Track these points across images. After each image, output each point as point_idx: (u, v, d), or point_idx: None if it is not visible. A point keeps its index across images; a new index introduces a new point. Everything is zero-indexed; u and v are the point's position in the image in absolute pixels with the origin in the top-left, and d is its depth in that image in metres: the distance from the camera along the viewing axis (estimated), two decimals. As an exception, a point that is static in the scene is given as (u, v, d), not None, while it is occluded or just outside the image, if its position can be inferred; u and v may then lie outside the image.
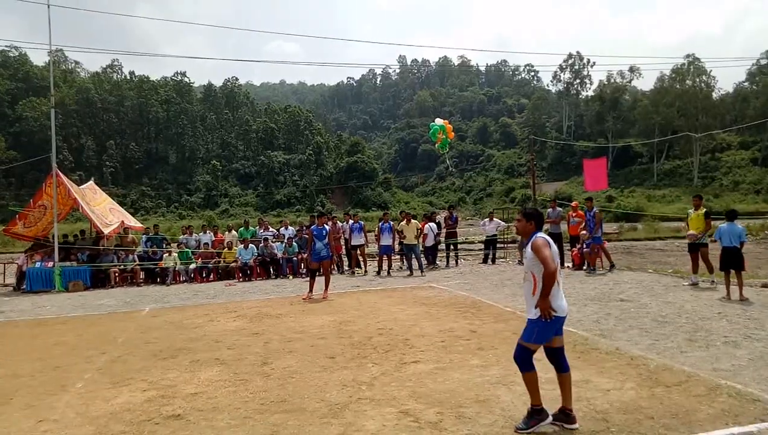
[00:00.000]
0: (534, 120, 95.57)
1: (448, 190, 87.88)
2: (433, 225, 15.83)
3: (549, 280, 3.97)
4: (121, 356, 6.85)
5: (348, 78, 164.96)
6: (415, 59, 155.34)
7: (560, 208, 15.32)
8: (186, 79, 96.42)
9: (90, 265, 14.64)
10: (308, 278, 11.61)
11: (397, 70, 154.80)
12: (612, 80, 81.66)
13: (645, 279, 11.76)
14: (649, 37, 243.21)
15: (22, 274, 14.54)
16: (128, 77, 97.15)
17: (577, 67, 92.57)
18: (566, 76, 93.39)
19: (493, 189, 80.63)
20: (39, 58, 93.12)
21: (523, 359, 4.12)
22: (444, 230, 16.70)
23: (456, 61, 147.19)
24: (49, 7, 14.69)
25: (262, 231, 16.67)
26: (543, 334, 4.08)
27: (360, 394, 4.99)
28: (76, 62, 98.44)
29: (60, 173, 15.18)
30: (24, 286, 14.21)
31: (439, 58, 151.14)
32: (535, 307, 4.07)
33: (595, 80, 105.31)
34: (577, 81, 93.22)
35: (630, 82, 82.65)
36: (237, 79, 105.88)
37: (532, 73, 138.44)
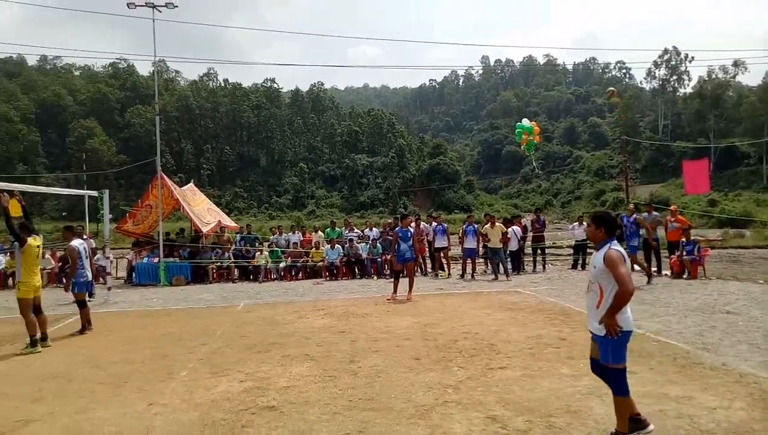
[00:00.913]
0: (627, 119, 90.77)
1: (534, 193, 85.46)
2: (516, 229, 15.48)
3: (624, 300, 3.75)
4: (219, 348, 7.29)
5: (430, 80, 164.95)
6: (499, 59, 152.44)
7: (656, 213, 14.48)
8: (275, 85, 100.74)
9: (190, 262, 15.69)
10: (392, 279, 11.76)
11: (480, 71, 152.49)
12: (713, 76, 75.99)
13: (754, 290, 10.85)
14: (756, 28, 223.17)
15: (132, 268, 15.86)
16: (222, 84, 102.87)
17: (673, 62, 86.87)
18: (661, 72, 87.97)
19: (582, 192, 77.44)
20: (144, 68, 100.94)
21: (617, 381, 3.90)
22: (530, 234, 16.29)
23: (541, 60, 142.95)
24: (154, 21, 15.89)
25: (347, 232, 17.09)
26: (618, 349, 3.86)
27: (446, 397, 5.00)
28: (177, 71, 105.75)
29: (164, 175, 16.38)
30: (133, 280, 15.50)
31: (524, 58, 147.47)
32: (599, 323, 3.89)
33: (694, 76, 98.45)
34: (674, 77, 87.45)
35: (734, 77, 76.58)
36: (322, 83, 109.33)
37: (624, 70, 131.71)
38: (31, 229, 7.86)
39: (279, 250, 16.31)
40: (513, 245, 15.22)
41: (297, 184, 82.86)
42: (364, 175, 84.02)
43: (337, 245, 15.77)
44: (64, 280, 10.37)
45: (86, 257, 9.06)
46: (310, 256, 16.05)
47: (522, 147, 18.85)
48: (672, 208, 14.99)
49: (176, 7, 15.67)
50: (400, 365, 6.13)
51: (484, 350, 6.67)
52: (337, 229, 17.72)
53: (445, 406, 4.79)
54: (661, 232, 14.33)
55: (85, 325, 8.75)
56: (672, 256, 13.55)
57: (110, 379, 5.96)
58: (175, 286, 14.89)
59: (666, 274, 13.31)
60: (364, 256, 15.79)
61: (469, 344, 7.00)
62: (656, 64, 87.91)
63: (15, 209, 8.29)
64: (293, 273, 15.95)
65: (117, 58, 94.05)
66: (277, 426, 4.44)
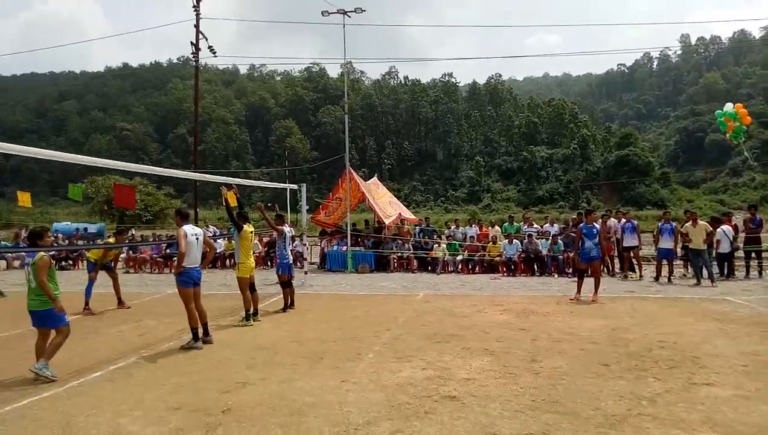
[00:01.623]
0: None
1: (744, 187, 73.90)
2: (727, 228, 13.55)
3: None
4: (401, 335, 7.65)
5: (618, 65, 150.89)
6: (702, 37, 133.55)
7: None
8: (453, 80, 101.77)
9: (374, 251, 16.68)
10: (575, 278, 11.16)
11: (678, 52, 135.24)
12: None
13: None
14: None
15: (324, 255, 17.38)
16: (402, 82, 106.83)
17: None
18: None
19: (811, 186, 65.13)
20: (333, 71, 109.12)
21: None
22: (742, 235, 14.17)
23: (757, 34, 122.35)
24: (344, 26, 17.06)
25: (526, 227, 16.63)
26: None
27: (640, 410, 4.62)
28: (362, 72, 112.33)
29: (352, 170, 17.60)
30: (326, 265, 16.97)
31: (734, 33, 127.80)
32: None
33: None
34: None
35: None
36: (500, 75, 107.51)
37: None
38: (246, 218, 9.05)
39: (456, 243, 16.50)
40: (724, 247, 13.36)
41: (473, 177, 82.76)
42: (543, 168, 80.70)
43: (515, 240, 15.44)
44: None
45: (289, 243, 10.19)
46: (487, 250, 15.95)
47: (727, 135, 16.25)
48: None
49: (364, 11, 16.66)
50: (586, 370, 5.82)
51: (686, 363, 6.01)
52: (515, 223, 17.33)
53: (639, 418, 4.43)
54: None
55: (287, 303, 9.83)
56: None
57: (308, 355, 6.61)
58: (361, 273, 15.94)
59: None
60: (544, 252, 15.22)
61: (666, 354, 6.37)
62: None
63: (232, 200, 9.62)
64: (470, 267, 16.01)
65: (311, 63, 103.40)
66: (459, 416, 4.53)
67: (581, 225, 11.11)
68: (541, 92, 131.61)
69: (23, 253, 19.27)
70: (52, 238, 15.32)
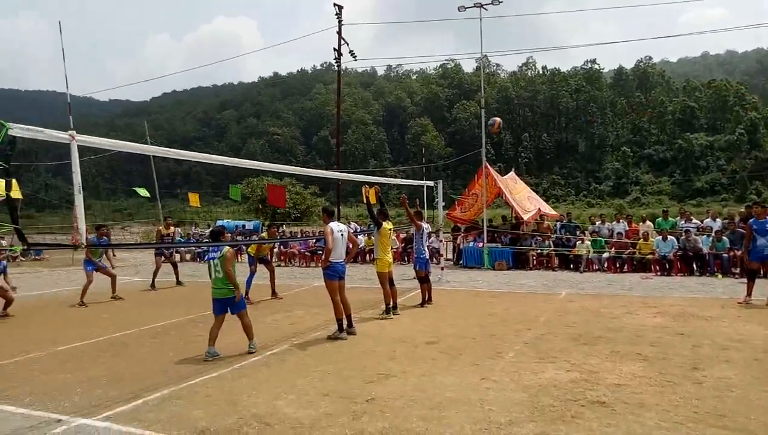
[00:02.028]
0: None
1: None
2: None
3: None
4: (543, 335, 7.38)
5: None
6: None
7: None
8: (596, 66, 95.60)
9: (512, 248, 16.27)
10: (744, 280, 9.92)
11: None
12: None
13: None
14: None
15: (460, 251, 17.33)
16: (541, 72, 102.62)
17: None
18: None
19: None
20: (468, 66, 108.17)
21: None
22: None
23: None
24: (481, 20, 16.80)
25: (683, 222, 15.13)
26: None
27: (833, 433, 4.00)
28: (497, 65, 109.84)
29: (488, 165, 17.34)
30: (461, 262, 16.93)
31: None
32: None
33: None
34: None
35: None
36: (651, 58, 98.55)
37: None
38: (386, 215, 9.35)
39: (602, 239, 15.50)
40: None
41: (619, 169, 77.04)
42: (702, 157, 72.61)
43: (669, 237, 14.10)
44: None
45: (426, 239, 10.36)
46: (638, 247, 14.77)
47: None
48: None
49: (501, 2, 16.28)
50: (760, 382, 5.16)
51: None
52: (670, 218, 15.84)
53: (832, 443, 3.84)
54: None
55: (425, 298, 9.99)
56: None
57: (447, 350, 6.65)
58: (498, 270, 15.65)
59: None
60: (705, 250, 13.71)
61: None
62: None
63: (373, 198, 9.98)
64: (617, 265, 14.96)
65: (446, 60, 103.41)
66: (609, 423, 4.27)
67: (751, 220, 9.84)
68: (698, 74, 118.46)
69: (193, 248, 21.73)
70: (229, 235, 17.20)
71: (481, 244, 16.56)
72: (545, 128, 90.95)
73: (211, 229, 8.11)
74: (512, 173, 20.02)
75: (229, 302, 6.67)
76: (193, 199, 15.01)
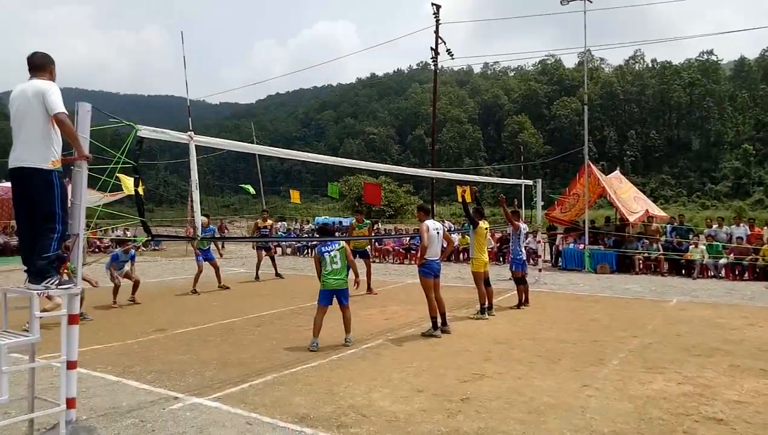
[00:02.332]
0: None
1: None
2: None
3: None
4: (651, 344, 6.93)
5: None
6: None
7: None
8: (713, 58, 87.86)
9: (616, 250, 15.41)
10: None
11: None
12: None
13: None
14: None
15: (559, 253, 16.69)
16: (650, 65, 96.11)
17: None
18: None
19: None
20: (569, 61, 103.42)
21: None
22: None
23: None
24: (585, 13, 16.04)
25: (818, 227, 13.56)
26: None
27: None
28: (601, 59, 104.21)
29: (590, 164, 16.53)
30: (560, 264, 16.30)
31: None
32: None
33: None
34: None
35: None
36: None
37: None
38: (482, 214, 9.22)
39: (719, 244, 14.27)
40: None
41: (739, 168, 70.34)
42: None
43: (802, 243, 12.70)
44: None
45: (523, 239, 10.09)
46: (761, 253, 13.43)
47: None
48: None
49: (607, -8, 15.46)
50: None
51: None
52: (802, 223, 14.25)
53: None
54: None
55: (522, 300, 9.73)
56: None
57: (545, 354, 6.44)
58: (600, 273, 14.90)
59: None
60: None
61: None
62: None
63: (468, 197, 9.89)
64: (737, 272, 13.71)
65: (546, 55, 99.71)
66: (728, 442, 3.93)
67: None
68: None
69: (294, 242, 22.66)
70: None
71: (582, 246, 15.85)
72: (654, 125, 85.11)
73: (319, 225, 8.51)
74: (617, 172, 18.95)
75: (342, 293, 6.91)
76: (294, 196, 15.71)
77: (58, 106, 3.88)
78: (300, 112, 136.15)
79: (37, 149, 3.93)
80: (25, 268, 4.08)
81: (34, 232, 4.00)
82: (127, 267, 10.31)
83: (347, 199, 46.48)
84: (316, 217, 40.05)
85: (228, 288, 12.42)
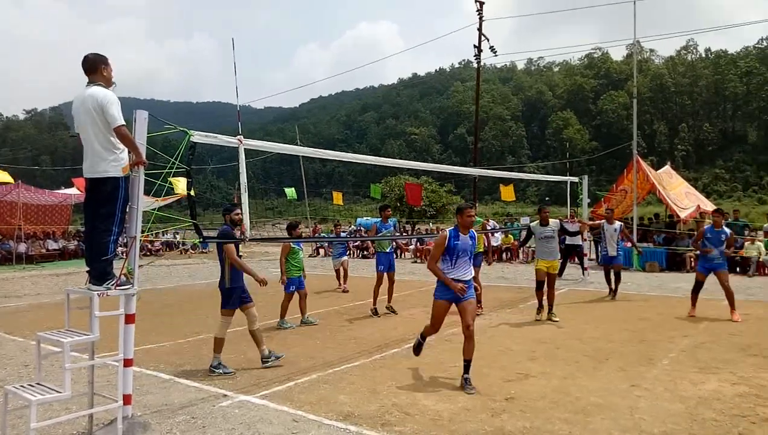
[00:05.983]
0: None
1: None
2: None
3: None
4: (703, 343, 6.70)
5: None
6: None
7: None
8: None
9: (666, 248, 14.92)
10: None
11: None
12: None
13: None
14: None
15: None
16: (703, 56, 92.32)
17: None
18: None
19: None
20: (617, 53, 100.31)
21: None
22: None
23: None
24: (635, 3, 15.61)
25: None
26: None
27: None
28: (651, 50, 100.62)
29: (639, 159, 16.06)
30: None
31: None
32: None
33: None
34: None
35: None
36: None
37: None
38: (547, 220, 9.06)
39: (779, 241, 13.64)
40: None
41: (801, 160, 66.80)
42: None
43: None
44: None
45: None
46: (826, 250, 12.76)
47: None
48: None
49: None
50: None
51: None
52: None
53: None
54: None
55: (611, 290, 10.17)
56: None
57: (592, 353, 6.32)
58: (649, 271, 14.47)
59: None
60: None
61: None
62: None
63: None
64: (799, 270, 13.06)
65: (592, 49, 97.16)
66: (787, 446, 3.78)
67: None
68: None
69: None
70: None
71: (629, 244, 15.40)
72: (707, 117, 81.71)
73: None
74: (667, 167, 18.35)
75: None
76: (337, 197, 15.88)
77: (118, 120, 4.04)
78: (342, 115, 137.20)
79: (106, 158, 4.13)
80: (87, 269, 4.30)
81: (93, 233, 4.21)
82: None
83: (389, 199, 46.64)
84: (358, 219, 40.43)
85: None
